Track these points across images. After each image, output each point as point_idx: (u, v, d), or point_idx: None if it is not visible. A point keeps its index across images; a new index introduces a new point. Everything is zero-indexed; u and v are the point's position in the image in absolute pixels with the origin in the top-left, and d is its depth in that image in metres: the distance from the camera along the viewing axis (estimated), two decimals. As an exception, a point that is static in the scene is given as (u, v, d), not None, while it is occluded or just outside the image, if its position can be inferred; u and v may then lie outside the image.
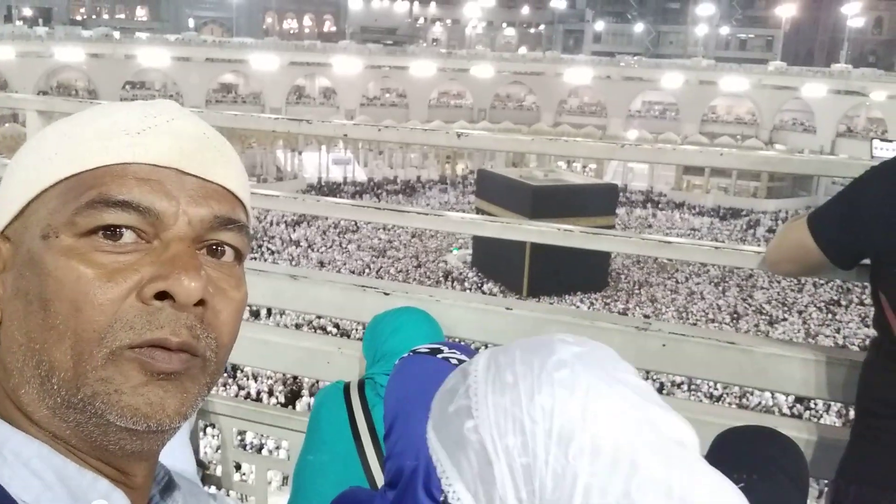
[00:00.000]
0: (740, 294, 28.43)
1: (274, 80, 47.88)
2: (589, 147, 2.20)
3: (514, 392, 0.73)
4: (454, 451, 0.78)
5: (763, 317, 26.41)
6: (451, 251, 32.19)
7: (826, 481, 1.91)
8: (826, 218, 1.82)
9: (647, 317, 24.72)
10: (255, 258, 28.08)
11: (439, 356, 1.45)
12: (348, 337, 17.21)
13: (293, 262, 28.61)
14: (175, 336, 0.64)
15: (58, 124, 0.72)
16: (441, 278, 28.95)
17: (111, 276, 0.63)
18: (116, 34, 47.45)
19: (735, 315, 26.19)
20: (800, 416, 15.01)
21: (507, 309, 2.25)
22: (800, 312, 26.78)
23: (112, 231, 0.65)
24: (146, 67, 46.30)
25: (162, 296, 0.64)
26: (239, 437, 12.44)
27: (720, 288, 28.92)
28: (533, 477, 0.69)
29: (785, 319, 26.14)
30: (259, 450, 11.84)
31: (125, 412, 0.63)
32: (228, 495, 2.66)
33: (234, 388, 16.65)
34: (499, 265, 28.27)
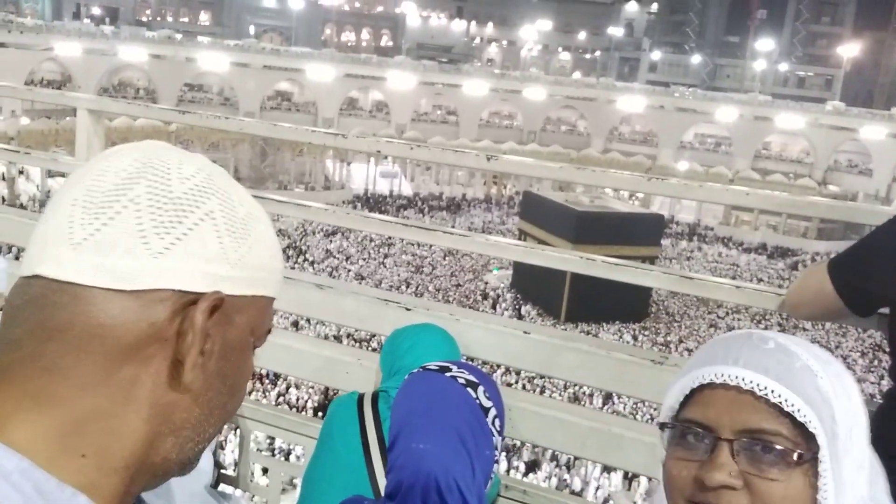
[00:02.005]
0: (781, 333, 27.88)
1: (328, 90, 48.56)
2: (615, 178, 2.22)
3: None
4: None
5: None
6: (492, 271, 32.15)
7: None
8: (845, 264, 1.82)
9: (689, 350, 24.42)
10: (295, 267, 28.39)
11: (447, 374, 1.48)
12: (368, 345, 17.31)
13: (333, 275, 28.82)
14: None
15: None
16: (479, 298, 28.88)
17: None
18: (179, 36, 48.64)
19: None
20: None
21: (525, 333, 2.27)
22: (844, 357, 26.15)
23: None
24: (205, 71, 47.33)
25: None
26: (268, 441, 12.59)
27: (761, 325, 28.41)
28: None
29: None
30: (287, 455, 11.93)
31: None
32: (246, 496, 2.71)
33: (274, 394, 16.83)
34: (539, 288, 28.14)
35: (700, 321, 28.64)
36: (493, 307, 27.91)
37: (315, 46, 58.61)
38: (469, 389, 1.45)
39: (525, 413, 2.26)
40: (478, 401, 1.44)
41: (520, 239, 32.26)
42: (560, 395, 17.98)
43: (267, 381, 17.41)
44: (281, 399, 16.58)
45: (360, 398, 2.08)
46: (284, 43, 62.48)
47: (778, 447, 0.82)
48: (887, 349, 1.82)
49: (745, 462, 0.82)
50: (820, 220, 41.06)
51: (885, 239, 1.74)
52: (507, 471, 14.28)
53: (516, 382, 18.10)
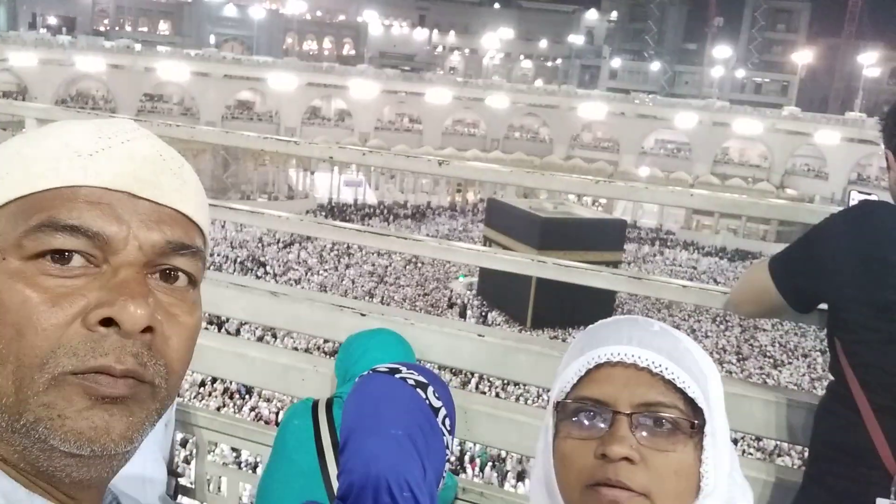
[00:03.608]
0: (742, 334, 28.31)
1: (290, 99, 48.33)
2: (565, 182, 2.25)
3: None
4: None
5: (767, 359, 26.26)
6: (458, 278, 32.19)
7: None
8: (786, 262, 1.87)
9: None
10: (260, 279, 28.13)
11: (397, 376, 1.49)
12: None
13: (296, 287, 28.53)
14: (119, 363, 0.62)
15: (11, 142, 0.71)
16: (446, 306, 28.87)
17: (56, 300, 0.62)
18: (138, 46, 48.05)
19: (741, 356, 26.06)
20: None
21: (479, 336, 2.29)
22: (804, 356, 26.63)
23: (60, 255, 0.63)
24: (165, 81, 46.81)
25: (108, 322, 0.63)
26: (234, 454, 12.44)
27: (721, 327, 28.81)
28: None
29: (790, 363, 25.98)
30: (254, 468, 11.80)
31: (68, 437, 0.62)
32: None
33: (247, 410, 16.62)
34: (505, 295, 28.25)
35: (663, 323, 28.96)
36: (462, 315, 27.93)
37: (277, 55, 58.36)
38: (419, 390, 1.46)
39: (480, 415, 2.27)
40: (427, 401, 1.46)
41: (484, 245, 32.39)
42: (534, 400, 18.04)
43: (237, 397, 17.19)
44: (253, 413, 16.38)
45: (315, 404, 2.08)
46: (246, 52, 62.13)
47: (674, 419, 0.87)
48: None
49: (641, 435, 0.86)
50: (779, 224, 41.87)
51: (822, 237, 1.79)
52: (501, 482, 14.33)
53: (489, 388, 18.13)
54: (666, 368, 0.87)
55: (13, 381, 0.62)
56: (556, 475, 0.91)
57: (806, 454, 1.91)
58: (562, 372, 0.94)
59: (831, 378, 1.83)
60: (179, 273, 0.69)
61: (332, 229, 2.43)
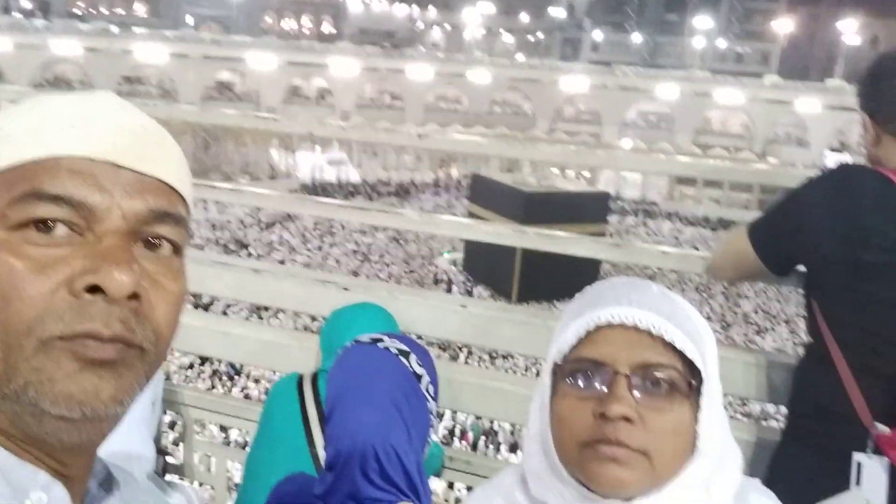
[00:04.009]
0: (726, 303, 28.55)
1: (270, 79, 47.90)
2: (545, 151, 2.26)
3: None
4: None
5: (751, 326, 26.52)
6: (443, 255, 32.21)
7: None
8: (764, 226, 1.89)
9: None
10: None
11: (380, 345, 1.51)
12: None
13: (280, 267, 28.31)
14: (107, 328, 0.63)
15: None
16: (432, 283, 28.93)
17: (42, 269, 0.63)
18: (114, 29, 47.38)
19: (725, 323, 26.31)
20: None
21: (462, 307, 2.31)
22: (787, 322, 26.90)
23: (44, 225, 0.64)
24: (143, 63, 46.26)
25: (94, 290, 0.63)
26: (223, 435, 12.46)
27: (704, 295, 29.03)
28: None
29: (773, 329, 26.25)
30: (244, 447, 11.80)
31: (59, 399, 0.62)
32: (193, 485, 2.70)
33: (236, 391, 16.62)
34: (490, 270, 28.30)
35: (649, 295, 29.16)
36: (448, 291, 28.01)
37: (255, 35, 57.70)
38: (401, 358, 1.48)
39: (466, 385, 2.30)
40: (410, 368, 1.47)
41: (469, 222, 32.37)
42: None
43: (226, 378, 17.17)
44: (242, 394, 16.37)
45: (300, 378, 2.09)
46: (224, 32, 61.36)
47: (672, 379, 0.88)
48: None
49: (640, 395, 0.88)
50: (761, 192, 42.09)
51: (799, 200, 1.82)
52: (496, 455, 14.45)
53: (479, 363, 18.21)
54: (665, 330, 0.88)
55: (1, 349, 0.62)
56: (552, 433, 0.93)
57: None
58: (560, 333, 0.96)
59: (809, 339, 1.86)
60: (163, 241, 0.70)
61: (314, 205, 2.44)
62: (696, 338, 0.91)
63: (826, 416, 1.74)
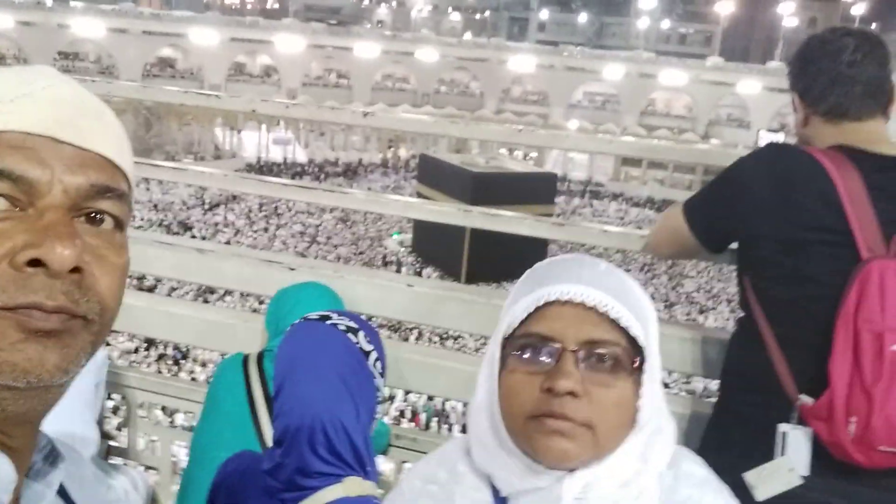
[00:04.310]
0: (669, 283, 29.17)
1: (214, 55, 46.89)
2: (488, 130, 2.29)
3: None
4: None
5: (694, 305, 27.16)
6: (392, 236, 32.14)
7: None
8: (698, 203, 1.95)
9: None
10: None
11: (328, 322, 1.52)
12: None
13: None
14: (50, 300, 0.64)
15: None
16: (381, 264, 28.86)
17: None
18: (49, 2, 45.76)
19: (669, 303, 26.88)
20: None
21: (409, 286, 2.33)
22: (728, 301, 27.61)
23: None
24: (80, 38, 44.83)
25: (35, 263, 0.63)
26: (169, 419, 12.30)
27: (648, 274, 29.60)
28: None
29: (715, 308, 26.92)
30: (190, 430, 11.62)
31: (4, 369, 0.62)
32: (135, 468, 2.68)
33: (183, 375, 16.35)
34: (438, 251, 28.38)
35: (594, 274, 29.56)
36: (398, 272, 28.00)
37: (198, 10, 56.44)
38: (349, 335, 1.49)
39: (410, 363, 2.32)
40: (358, 345, 1.49)
41: (418, 202, 32.31)
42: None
43: (172, 363, 16.90)
44: (190, 378, 16.14)
45: (246, 358, 2.09)
46: (165, 7, 59.84)
47: (616, 356, 0.92)
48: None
49: (585, 370, 0.91)
50: (703, 173, 42.88)
51: (731, 179, 1.88)
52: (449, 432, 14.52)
53: (428, 343, 18.26)
54: (612, 308, 0.91)
55: None
56: (500, 406, 0.95)
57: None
58: (510, 307, 0.98)
59: (741, 314, 1.93)
60: (105, 216, 0.70)
61: (258, 184, 2.42)
62: (641, 315, 0.95)
63: (753, 387, 1.81)
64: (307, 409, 1.41)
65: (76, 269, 0.66)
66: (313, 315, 1.56)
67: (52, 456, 0.76)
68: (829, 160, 1.73)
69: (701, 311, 26.67)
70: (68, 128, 0.68)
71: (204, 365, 16.78)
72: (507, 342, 0.96)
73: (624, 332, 0.92)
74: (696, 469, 1.03)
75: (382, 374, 1.54)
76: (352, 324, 1.52)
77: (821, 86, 1.80)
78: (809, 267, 1.73)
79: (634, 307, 0.94)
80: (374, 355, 1.50)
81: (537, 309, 0.94)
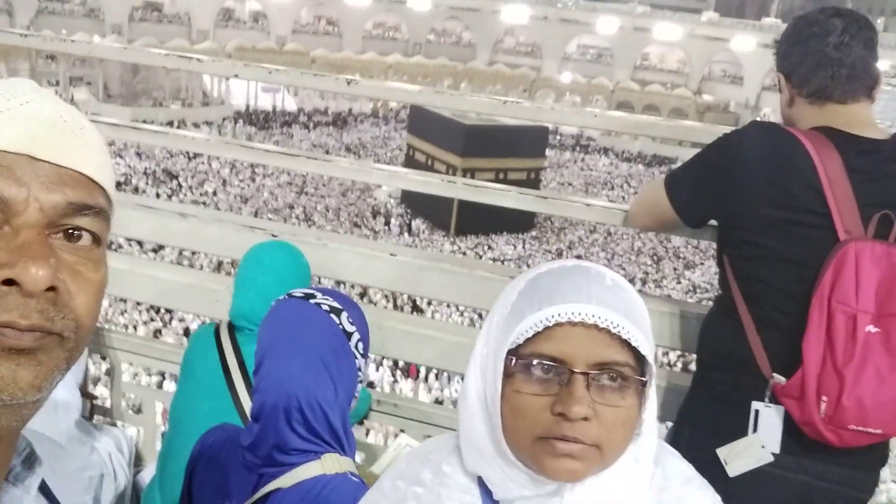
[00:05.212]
0: (657, 237, 29.28)
1: (201, 0, 46.02)
2: (472, 102, 2.27)
3: None
4: None
5: (681, 260, 27.33)
6: (381, 186, 32.00)
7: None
8: (680, 178, 1.94)
9: (578, 257, 25.47)
10: (173, 193, 27.21)
11: (312, 301, 1.52)
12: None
13: (214, 199, 27.55)
14: (24, 319, 0.64)
15: None
16: (370, 216, 28.77)
17: None
18: (32, -58, 44.60)
19: (656, 257, 27.06)
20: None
21: (392, 255, 2.33)
22: (714, 257, 27.75)
23: None
24: (64, -22, 43.85)
25: (10, 282, 0.63)
26: (159, 380, 12.34)
27: (638, 241, 29.72)
28: None
29: (702, 264, 27.09)
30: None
31: None
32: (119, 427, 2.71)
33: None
34: (428, 203, 28.28)
35: (581, 229, 29.66)
36: (386, 224, 27.95)
37: (185, -48, 55.04)
38: (332, 315, 1.50)
39: (394, 332, 2.34)
40: (341, 326, 1.49)
41: (408, 154, 32.21)
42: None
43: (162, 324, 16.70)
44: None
45: (217, 327, 2.10)
46: (151, -52, 58.35)
47: (626, 376, 0.91)
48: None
49: (595, 392, 0.90)
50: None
51: (713, 156, 1.87)
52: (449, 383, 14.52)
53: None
54: (623, 328, 0.89)
55: None
56: (503, 422, 0.94)
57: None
58: (515, 321, 0.94)
59: (720, 291, 1.94)
60: (83, 232, 0.70)
61: (241, 150, 2.39)
62: (646, 329, 0.93)
63: (730, 365, 1.84)
64: (283, 387, 1.42)
65: (51, 288, 0.66)
66: (298, 292, 1.56)
67: (31, 459, 0.77)
68: (812, 142, 1.73)
69: (688, 266, 26.86)
70: (45, 146, 0.68)
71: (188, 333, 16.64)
72: (512, 358, 0.93)
73: (633, 349, 0.91)
74: (682, 467, 1.04)
75: (364, 355, 1.55)
76: (336, 304, 1.52)
77: (806, 68, 1.79)
78: (788, 248, 1.74)
79: (642, 324, 0.92)
80: (356, 336, 1.50)
81: (546, 329, 0.91)
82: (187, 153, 32.20)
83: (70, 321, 0.68)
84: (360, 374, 1.54)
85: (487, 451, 0.98)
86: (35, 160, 0.67)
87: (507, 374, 0.94)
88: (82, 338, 0.70)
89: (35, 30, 26.46)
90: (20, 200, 0.66)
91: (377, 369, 14.39)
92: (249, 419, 1.52)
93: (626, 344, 0.90)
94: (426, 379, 15.10)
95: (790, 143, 1.75)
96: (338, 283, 2.16)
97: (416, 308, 17.66)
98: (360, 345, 1.53)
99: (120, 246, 16.32)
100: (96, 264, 0.72)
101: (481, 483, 1.01)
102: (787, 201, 1.73)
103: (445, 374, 15.50)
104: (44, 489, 0.78)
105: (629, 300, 0.93)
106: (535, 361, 0.91)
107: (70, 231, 0.70)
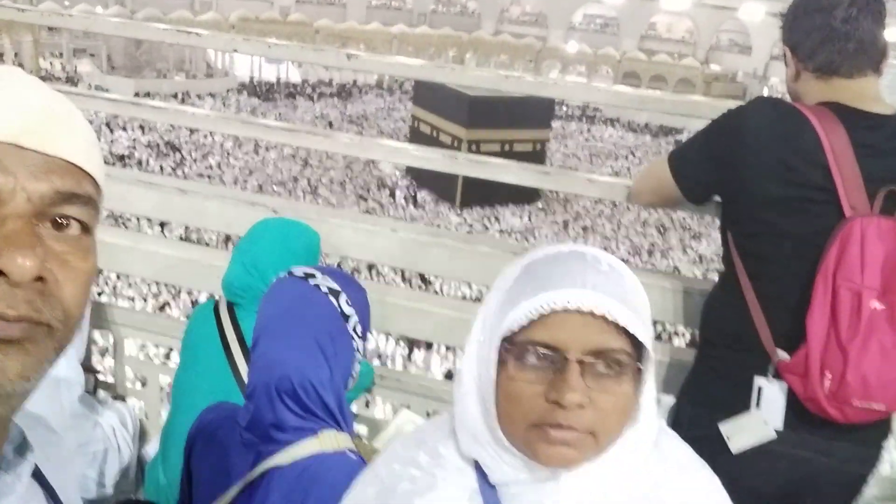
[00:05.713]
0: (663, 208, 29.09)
1: (205, -31, 45.59)
2: (474, 76, 2.24)
3: None
4: None
5: (687, 231, 27.21)
6: (385, 158, 31.86)
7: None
8: (684, 155, 1.93)
9: (585, 228, 25.46)
10: (176, 166, 27.13)
11: (311, 282, 1.52)
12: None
13: (218, 172, 27.46)
14: (11, 310, 0.64)
15: None
16: (375, 188, 28.67)
17: None
18: None
19: (662, 228, 26.95)
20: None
21: (393, 231, 2.32)
22: (719, 229, 27.60)
23: None
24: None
25: None
26: (166, 355, 12.39)
27: (644, 213, 29.54)
28: None
29: (709, 234, 26.96)
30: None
31: None
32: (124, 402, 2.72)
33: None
34: (434, 174, 28.09)
35: (585, 200, 29.52)
36: (391, 195, 27.87)
37: (187, -79, 54.43)
38: (331, 297, 1.49)
39: (396, 307, 2.33)
40: (339, 309, 1.49)
41: (413, 125, 32.06)
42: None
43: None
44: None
45: (216, 304, 2.10)
46: (153, -83, 57.67)
47: (622, 363, 0.90)
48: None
49: (590, 379, 0.89)
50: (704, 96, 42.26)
51: (717, 132, 1.85)
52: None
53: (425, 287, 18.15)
54: (620, 315, 0.88)
55: None
56: (497, 408, 0.93)
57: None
58: (510, 308, 0.93)
59: (723, 268, 1.93)
60: (72, 221, 0.70)
61: (242, 125, 2.38)
62: (644, 315, 0.92)
63: (733, 342, 1.83)
64: (277, 367, 1.43)
65: (39, 278, 0.65)
66: (298, 271, 1.56)
67: (23, 447, 0.77)
68: (817, 117, 1.70)
69: (694, 237, 26.74)
70: (33, 134, 0.67)
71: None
72: (507, 345, 0.92)
73: (629, 335, 0.89)
74: (680, 450, 1.04)
75: (363, 336, 1.54)
76: (334, 286, 1.52)
77: (813, 42, 1.76)
78: (793, 224, 1.73)
79: (638, 308, 0.91)
80: (354, 319, 1.50)
81: (541, 316, 0.90)
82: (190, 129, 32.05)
83: (58, 311, 0.67)
84: (357, 354, 1.54)
85: (482, 436, 0.97)
86: (22, 149, 0.66)
87: (502, 361, 0.93)
88: (71, 327, 0.70)
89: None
90: (7, 190, 0.65)
91: (395, 344, 14.31)
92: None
93: (623, 329, 0.89)
94: (438, 350, 15.11)
95: (796, 118, 1.73)
96: (341, 258, 2.15)
97: (424, 280, 17.68)
98: (359, 327, 1.53)
99: (128, 219, 16.33)
100: (85, 253, 0.71)
101: (477, 466, 1.00)
102: (793, 178, 1.71)
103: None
104: (37, 475, 0.78)
105: (626, 285, 0.92)
106: (529, 348, 0.90)
107: (58, 220, 0.69)
